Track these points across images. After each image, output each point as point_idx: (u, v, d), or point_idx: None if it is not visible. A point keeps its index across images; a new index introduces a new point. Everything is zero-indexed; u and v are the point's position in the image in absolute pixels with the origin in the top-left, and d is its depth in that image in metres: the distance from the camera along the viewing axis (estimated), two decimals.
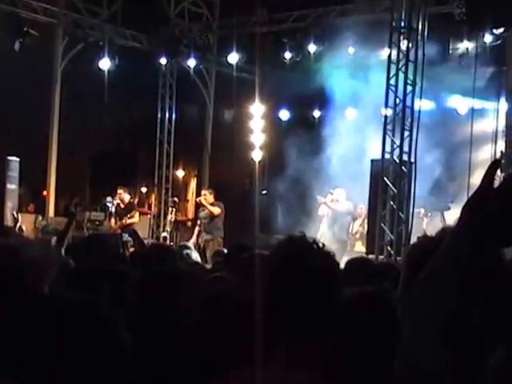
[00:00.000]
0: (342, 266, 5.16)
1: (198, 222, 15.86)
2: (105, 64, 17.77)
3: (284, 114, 20.65)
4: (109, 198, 16.44)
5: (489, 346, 1.59)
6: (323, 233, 15.22)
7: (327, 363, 2.29)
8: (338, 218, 15.66)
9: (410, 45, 13.71)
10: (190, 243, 12.09)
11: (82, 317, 1.65)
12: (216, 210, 15.29)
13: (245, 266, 4.19)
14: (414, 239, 13.56)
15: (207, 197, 15.53)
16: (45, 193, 19.73)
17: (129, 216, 15.86)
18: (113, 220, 16.15)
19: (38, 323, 1.62)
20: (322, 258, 2.55)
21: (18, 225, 16.16)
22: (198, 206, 16.43)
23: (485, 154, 15.83)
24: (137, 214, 16.28)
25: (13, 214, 16.12)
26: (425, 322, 1.42)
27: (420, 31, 13.60)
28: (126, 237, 14.88)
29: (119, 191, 16.27)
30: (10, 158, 16.43)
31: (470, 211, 1.46)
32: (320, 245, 2.59)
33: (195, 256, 7.67)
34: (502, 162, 13.68)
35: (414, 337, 1.43)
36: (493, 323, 1.56)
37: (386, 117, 13.94)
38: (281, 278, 2.45)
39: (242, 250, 7.00)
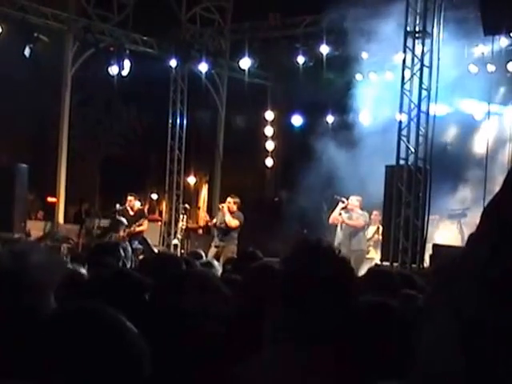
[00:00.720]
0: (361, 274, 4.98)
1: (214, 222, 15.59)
2: (115, 69, 17.63)
3: (297, 120, 20.39)
4: (118, 206, 16.27)
5: (505, 354, 1.42)
6: (341, 242, 14.74)
7: (336, 365, 2.36)
8: (355, 231, 15.11)
9: (425, 49, 13.51)
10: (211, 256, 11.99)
11: (97, 327, 1.67)
12: (234, 223, 14.97)
13: (255, 272, 4.33)
14: (429, 247, 13.38)
15: (231, 205, 15.23)
16: (49, 199, 19.61)
17: (137, 224, 15.69)
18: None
19: (54, 333, 1.65)
20: (337, 263, 2.61)
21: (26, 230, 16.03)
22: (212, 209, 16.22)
23: (501, 160, 15.57)
24: (145, 221, 16.09)
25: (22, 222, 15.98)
26: (440, 329, 1.37)
27: (435, 35, 13.40)
28: (135, 244, 14.75)
29: (129, 198, 16.10)
30: (18, 164, 16.29)
31: (487, 217, 1.41)
32: (336, 251, 2.71)
33: (217, 264, 7.45)
34: None
35: (429, 343, 1.39)
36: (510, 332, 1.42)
37: (400, 122, 13.74)
38: (294, 281, 2.52)
39: (252, 258, 6.84)
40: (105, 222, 17.11)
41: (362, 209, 15.03)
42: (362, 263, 13.70)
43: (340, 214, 15.03)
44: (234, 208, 15.16)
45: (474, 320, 1.33)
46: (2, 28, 15.95)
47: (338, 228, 15.17)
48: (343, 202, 14.97)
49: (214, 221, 15.53)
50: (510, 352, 1.33)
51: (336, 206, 15.18)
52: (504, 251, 1.36)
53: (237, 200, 15.42)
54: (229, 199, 15.56)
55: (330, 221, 15.37)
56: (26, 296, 1.98)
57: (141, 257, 13.70)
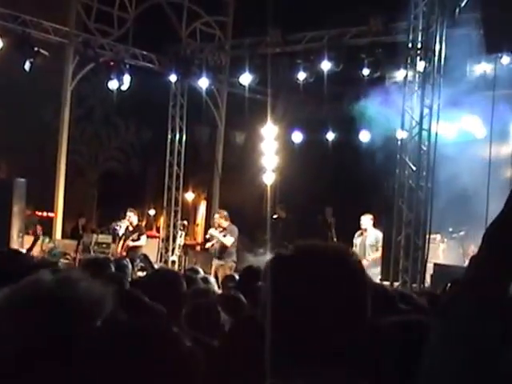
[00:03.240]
0: None
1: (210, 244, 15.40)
2: (115, 84, 17.55)
3: (297, 137, 20.26)
4: (117, 222, 16.17)
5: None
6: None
7: None
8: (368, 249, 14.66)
9: (427, 66, 13.44)
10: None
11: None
12: (228, 241, 14.83)
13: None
14: (430, 266, 13.26)
15: (221, 221, 15.10)
16: (39, 213, 19.52)
17: (131, 239, 15.59)
18: (121, 243, 15.86)
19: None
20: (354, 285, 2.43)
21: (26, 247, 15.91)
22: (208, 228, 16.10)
23: (504, 179, 15.46)
24: (143, 237, 15.98)
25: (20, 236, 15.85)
26: (443, 350, 1.38)
27: (437, 52, 13.34)
28: (137, 261, 14.65)
29: (128, 214, 15.99)
30: (16, 178, 16.18)
31: (489, 239, 1.41)
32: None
33: (213, 281, 7.35)
34: None
35: (433, 365, 1.40)
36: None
37: (401, 140, 13.65)
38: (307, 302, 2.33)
39: (255, 277, 6.69)
40: (103, 238, 16.99)
41: (375, 226, 14.59)
42: None
43: (354, 238, 14.56)
44: (225, 223, 15.04)
45: (476, 346, 1.32)
46: (2, 42, 15.87)
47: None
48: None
49: (209, 244, 15.41)
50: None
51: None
52: (505, 272, 1.37)
53: (224, 213, 15.31)
54: (216, 216, 15.44)
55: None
56: (73, 324, 1.92)
57: (139, 273, 13.60)
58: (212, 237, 15.25)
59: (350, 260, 2.04)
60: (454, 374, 1.36)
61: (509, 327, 1.37)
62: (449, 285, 5.01)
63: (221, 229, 15.06)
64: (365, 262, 13.98)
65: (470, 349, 1.35)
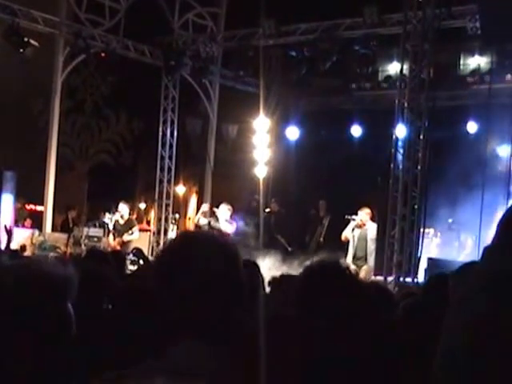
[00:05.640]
0: None
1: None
2: (106, 75, 17.39)
3: (289, 130, 20.11)
4: (108, 215, 16.04)
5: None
6: (357, 257, 14.25)
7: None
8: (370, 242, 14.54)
9: (422, 61, 13.34)
10: None
11: None
12: (229, 229, 14.99)
13: None
14: (423, 260, 13.22)
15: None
16: (29, 207, 19.38)
17: (129, 233, 15.50)
18: (111, 236, 15.75)
19: None
20: (351, 283, 2.81)
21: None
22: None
23: (498, 175, 15.42)
24: (136, 229, 15.89)
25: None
26: (452, 341, 1.34)
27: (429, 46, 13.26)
28: (130, 256, 14.55)
29: (121, 206, 15.88)
30: (6, 171, 16.04)
31: (503, 229, 1.38)
32: (352, 271, 2.95)
33: None
34: None
35: (443, 362, 1.36)
36: None
37: (396, 134, 13.57)
38: (308, 293, 2.75)
39: (245, 266, 6.59)
40: (94, 231, 16.83)
41: (373, 220, 14.44)
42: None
43: (353, 231, 14.43)
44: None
45: (484, 334, 1.29)
46: None
47: (350, 245, 14.49)
48: (354, 220, 14.34)
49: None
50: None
51: (347, 225, 14.59)
52: None
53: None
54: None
55: (343, 238, 14.63)
56: (40, 305, 1.91)
57: (130, 267, 13.45)
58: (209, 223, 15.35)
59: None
60: (464, 370, 1.31)
61: None
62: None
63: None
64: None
65: (485, 344, 1.30)
